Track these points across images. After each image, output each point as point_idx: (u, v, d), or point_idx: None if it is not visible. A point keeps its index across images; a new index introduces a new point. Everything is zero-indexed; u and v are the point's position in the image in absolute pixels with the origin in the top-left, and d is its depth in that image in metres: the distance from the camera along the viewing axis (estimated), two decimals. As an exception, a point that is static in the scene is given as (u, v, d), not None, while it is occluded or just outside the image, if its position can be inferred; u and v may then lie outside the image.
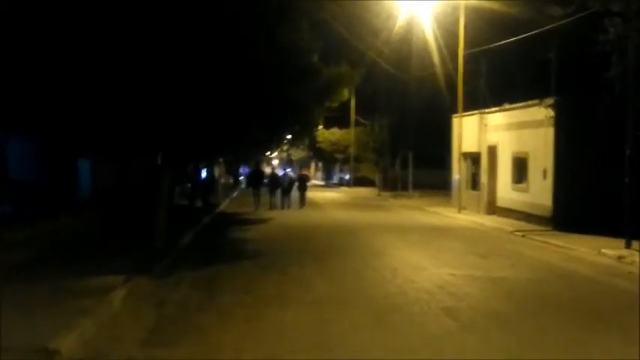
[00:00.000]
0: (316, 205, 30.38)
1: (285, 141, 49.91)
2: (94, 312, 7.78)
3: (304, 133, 32.42)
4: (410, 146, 39.75)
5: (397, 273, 11.39)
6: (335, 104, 26.34)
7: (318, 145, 53.51)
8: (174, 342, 7.03)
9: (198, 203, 25.05)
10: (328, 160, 60.99)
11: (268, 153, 55.62)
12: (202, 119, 13.78)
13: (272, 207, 27.27)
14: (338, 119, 46.79)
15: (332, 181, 63.04)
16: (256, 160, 37.09)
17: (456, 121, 26.84)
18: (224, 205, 29.20)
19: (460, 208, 24.89)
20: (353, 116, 47.51)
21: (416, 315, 8.33)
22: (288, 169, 40.46)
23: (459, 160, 26.37)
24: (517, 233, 18.36)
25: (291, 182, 29.76)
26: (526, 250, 15.16)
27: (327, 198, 37.51)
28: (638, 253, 13.72)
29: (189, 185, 26.34)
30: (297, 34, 14.36)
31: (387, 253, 14.18)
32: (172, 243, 14.42)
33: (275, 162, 58.79)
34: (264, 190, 28.29)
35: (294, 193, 29.41)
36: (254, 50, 12.80)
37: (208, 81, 12.55)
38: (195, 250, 14.56)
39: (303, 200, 29.22)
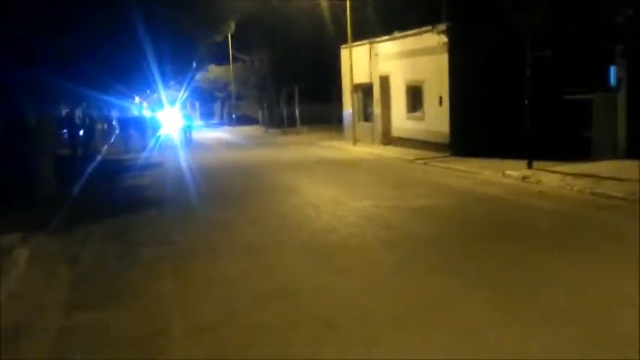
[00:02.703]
0: (203, 146, 29.10)
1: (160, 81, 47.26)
2: (-2, 278, 6.66)
3: (186, 70, 30.47)
4: (294, 80, 38.83)
5: (320, 209, 10.90)
6: (221, 38, 25.04)
7: (195, 84, 51.26)
8: (102, 304, 6.13)
9: (79, 151, 23.05)
10: (207, 99, 58.87)
11: (141, 95, 52.44)
12: (65, 52, 12.07)
13: (143, 149, 26.61)
14: (214, 56, 44.74)
15: (212, 121, 61.15)
16: (128, 103, 35.08)
17: (344, 52, 26.33)
18: (105, 152, 27.23)
19: (355, 141, 24.77)
20: (231, 51, 45.60)
21: (358, 251, 7.92)
22: (161, 111, 38.56)
23: (351, 92, 26.03)
24: (418, 161, 18.43)
25: (167, 124, 28.87)
26: (434, 177, 15.20)
27: (213, 138, 36.16)
28: (540, 172, 14.27)
29: (64, 131, 24.12)
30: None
31: (299, 190, 13.61)
32: (63, 195, 13.05)
33: (146, 104, 55.54)
34: (135, 133, 28.22)
35: (180, 134, 28.16)
36: None
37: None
38: (92, 201, 13.26)
39: (189, 141, 27.90)
